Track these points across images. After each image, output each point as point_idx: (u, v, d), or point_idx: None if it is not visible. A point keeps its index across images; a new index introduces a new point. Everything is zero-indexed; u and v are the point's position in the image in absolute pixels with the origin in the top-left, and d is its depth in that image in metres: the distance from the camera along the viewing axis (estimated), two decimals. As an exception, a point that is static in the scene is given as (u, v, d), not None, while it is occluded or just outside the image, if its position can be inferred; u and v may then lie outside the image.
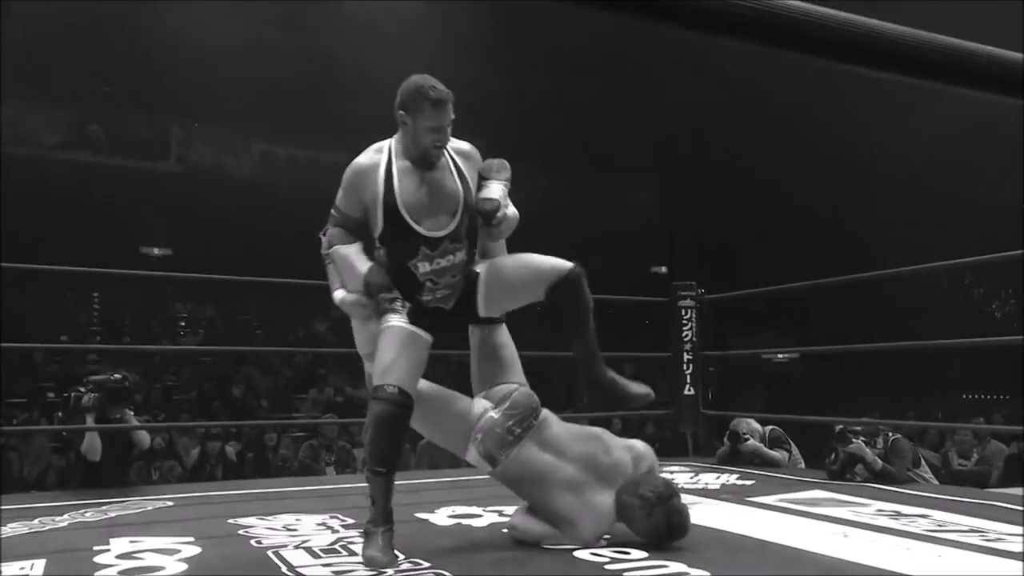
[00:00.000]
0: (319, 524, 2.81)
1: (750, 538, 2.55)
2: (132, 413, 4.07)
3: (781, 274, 5.15)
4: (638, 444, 2.62)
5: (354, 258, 2.42)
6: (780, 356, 15.07)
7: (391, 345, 2.32)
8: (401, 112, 2.38)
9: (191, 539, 2.56)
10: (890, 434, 3.72)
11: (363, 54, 12.24)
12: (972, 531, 2.59)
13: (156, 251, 14.59)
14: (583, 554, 2.31)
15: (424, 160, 2.40)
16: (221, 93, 12.33)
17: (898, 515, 2.87)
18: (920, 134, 11.98)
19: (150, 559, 2.33)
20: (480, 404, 2.51)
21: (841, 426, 3.72)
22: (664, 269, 15.01)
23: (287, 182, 14.39)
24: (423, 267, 2.39)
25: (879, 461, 3.57)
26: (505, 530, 2.59)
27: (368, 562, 2.21)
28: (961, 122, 10.76)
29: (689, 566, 2.13)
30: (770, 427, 4.47)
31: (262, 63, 12.51)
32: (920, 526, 2.68)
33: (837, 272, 4.85)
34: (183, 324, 13.45)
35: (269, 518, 2.94)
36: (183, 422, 8.48)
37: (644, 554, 2.28)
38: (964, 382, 13.71)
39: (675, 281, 4.96)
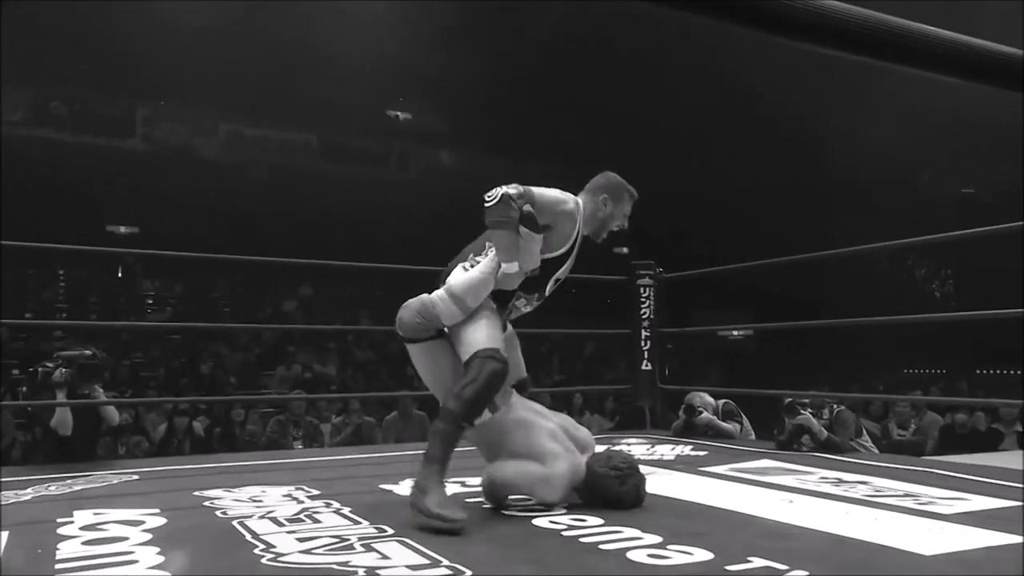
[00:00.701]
0: (285, 495, 2.83)
1: (702, 505, 2.66)
2: (101, 389, 4.05)
3: (744, 259, 5.26)
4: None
5: (537, 246, 2.63)
6: (734, 333, 15.28)
7: (495, 327, 2.60)
8: (604, 196, 2.80)
9: (156, 511, 2.56)
10: (835, 406, 3.84)
11: (331, 37, 12.16)
12: (907, 496, 2.71)
13: (123, 229, 14.42)
14: (542, 521, 2.37)
15: (598, 237, 2.82)
16: (188, 73, 12.19)
17: (840, 482, 2.99)
18: (872, 127, 12.22)
19: (114, 530, 2.32)
20: None
21: (790, 399, 3.83)
22: (625, 250, 15.14)
23: (255, 161, 14.29)
24: (520, 303, 2.73)
25: (824, 431, 3.69)
26: (468, 499, 2.65)
27: (447, 519, 2.27)
28: (908, 115, 10.99)
29: (643, 531, 2.21)
30: (723, 400, 4.59)
31: (230, 44, 12.37)
32: (860, 492, 2.80)
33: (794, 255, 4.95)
34: (151, 302, 13.33)
35: (235, 490, 2.95)
36: (150, 398, 8.47)
37: (600, 521, 2.35)
38: (905, 357, 14.05)
39: (634, 261, 5.03)
